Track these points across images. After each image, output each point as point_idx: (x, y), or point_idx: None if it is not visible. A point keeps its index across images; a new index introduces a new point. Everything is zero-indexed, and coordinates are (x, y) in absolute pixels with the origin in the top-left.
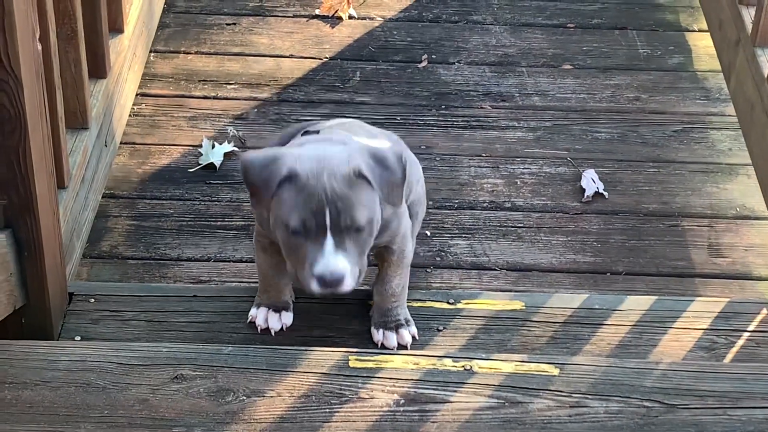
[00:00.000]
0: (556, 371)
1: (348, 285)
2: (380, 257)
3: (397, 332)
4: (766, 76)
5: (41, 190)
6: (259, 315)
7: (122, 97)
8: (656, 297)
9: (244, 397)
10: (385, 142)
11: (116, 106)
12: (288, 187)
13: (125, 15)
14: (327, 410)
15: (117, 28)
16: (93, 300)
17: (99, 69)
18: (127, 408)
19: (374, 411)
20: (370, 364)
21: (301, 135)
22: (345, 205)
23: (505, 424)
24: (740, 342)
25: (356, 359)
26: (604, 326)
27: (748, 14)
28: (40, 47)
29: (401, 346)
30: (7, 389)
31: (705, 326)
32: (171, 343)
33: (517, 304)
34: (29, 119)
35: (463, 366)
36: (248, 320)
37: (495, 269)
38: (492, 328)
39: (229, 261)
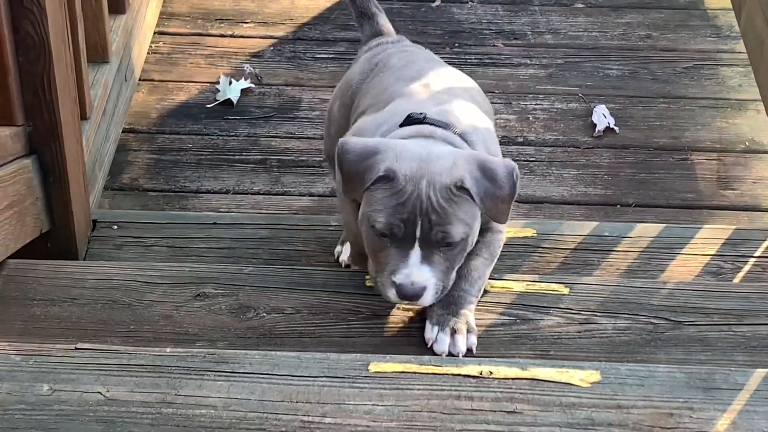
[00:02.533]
0: (566, 290)
1: (427, 300)
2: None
3: (452, 338)
4: None
5: (65, 117)
6: (345, 251)
7: (141, 33)
8: (665, 225)
9: (264, 314)
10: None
11: (135, 41)
12: (383, 186)
13: None
14: (344, 326)
15: None
16: (116, 227)
17: (118, 4)
18: (152, 323)
19: (390, 326)
20: None
21: (403, 121)
22: (440, 219)
23: (516, 339)
24: (746, 267)
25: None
26: (613, 252)
27: None
28: None
29: (451, 354)
30: (36, 305)
31: (712, 252)
32: (193, 263)
33: (529, 231)
34: (53, 47)
35: None
36: (335, 257)
37: None
38: (504, 253)
39: (247, 193)
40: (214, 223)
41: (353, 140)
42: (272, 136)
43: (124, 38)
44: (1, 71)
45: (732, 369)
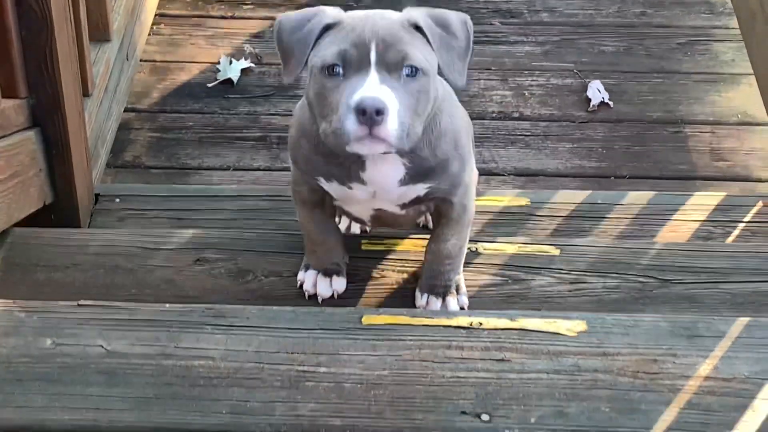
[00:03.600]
0: (556, 252)
1: (392, 124)
2: (437, 212)
3: (443, 300)
4: None
5: (67, 91)
6: (308, 279)
7: (143, 13)
8: (656, 192)
9: (263, 277)
10: None
11: (137, 21)
12: (330, 33)
13: None
14: None
15: None
16: (118, 200)
17: None
18: (154, 287)
19: (385, 287)
20: (380, 247)
21: None
22: (395, 40)
23: (509, 299)
24: (736, 232)
25: (368, 242)
26: (606, 219)
27: None
28: None
29: None
30: (39, 271)
31: (702, 218)
32: (194, 229)
33: (523, 200)
34: (55, 20)
35: (469, 248)
36: (298, 284)
37: (503, 174)
38: (498, 221)
39: (247, 170)
40: (215, 196)
41: (288, 12)
42: (272, 114)
43: (126, 18)
44: (4, 44)
45: (715, 318)
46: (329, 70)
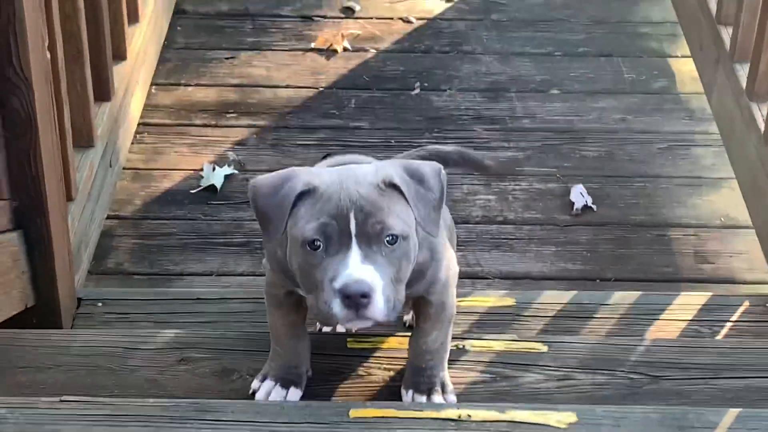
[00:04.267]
0: (545, 348)
1: (379, 308)
2: (416, 309)
3: (428, 397)
4: (744, 88)
5: (51, 193)
6: (262, 389)
7: (126, 121)
8: (642, 293)
9: (248, 376)
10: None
11: (120, 129)
12: (305, 202)
13: (128, 42)
14: (327, 386)
15: (120, 55)
16: (101, 304)
17: (103, 92)
18: (137, 387)
19: (371, 385)
20: (366, 345)
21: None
22: (374, 209)
23: (496, 395)
24: (723, 331)
25: (353, 341)
26: (593, 319)
27: (727, 33)
28: (49, 56)
29: None
30: (21, 373)
31: (689, 317)
32: (177, 329)
33: (509, 301)
34: (40, 123)
35: (456, 345)
36: (249, 391)
37: (488, 278)
38: (485, 322)
39: (231, 275)
40: (198, 299)
41: (262, 176)
42: (256, 220)
43: (109, 124)
44: None
45: (705, 409)
46: (310, 245)
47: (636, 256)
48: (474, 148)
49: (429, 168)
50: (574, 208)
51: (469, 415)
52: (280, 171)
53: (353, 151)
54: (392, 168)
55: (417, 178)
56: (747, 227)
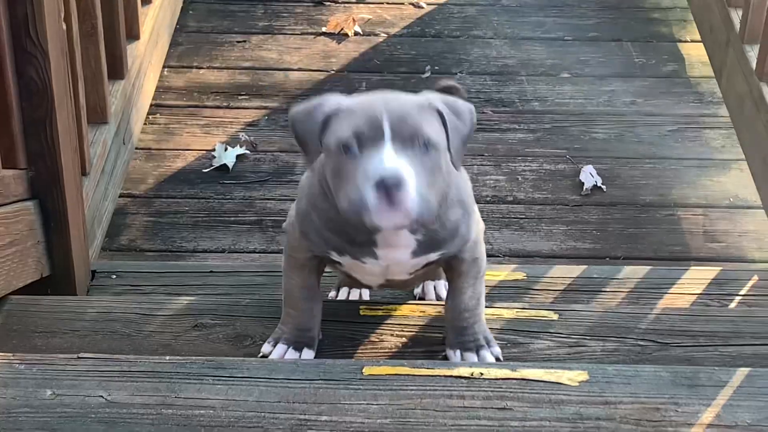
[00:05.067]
0: (555, 316)
1: (411, 195)
2: (450, 268)
3: (477, 354)
4: (753, 69)
5: (67, 164)
6: (275, 352)
7: (139, 100)
8: (651, 267)
9: (261, 341)
10: None
11: (133, 108)
12: (339, 116)
13: (141, 23)
14: (339, 352)
15: (133, 35)
16: (114, 276)
17: (117, 70)
18: (151, 352)
19: (384, 351)
20: (379, 313)
21: None
22: (407, 115)
23: (508, 362)
24: (732, 305)
25: (366, 308)
26: (602, 292)
27: (737, 15)
28: (64, 27)
29: None
30: (37, 337)
31: (699, 291)
32: (191, 296)
33: (519, 275)
34: (56, 93)
35: None
36: (259, 355)
37: (498, 255)
38: (495, 295)
39: (243, 252)
40: (211, 272)
41: (298, 105)
42: (267, 199)
43: (123, 102)
44: (5, 115)
45: (715, 368)
46: (345, 148)
47: (646, 236)
48: (484, 130)
49: (464, 105)
50: (584, 188)
51: (482, 373)
52: (314, 98)
53: None
54: (434, 96)
55: (454, 110)
56: (756, 207)
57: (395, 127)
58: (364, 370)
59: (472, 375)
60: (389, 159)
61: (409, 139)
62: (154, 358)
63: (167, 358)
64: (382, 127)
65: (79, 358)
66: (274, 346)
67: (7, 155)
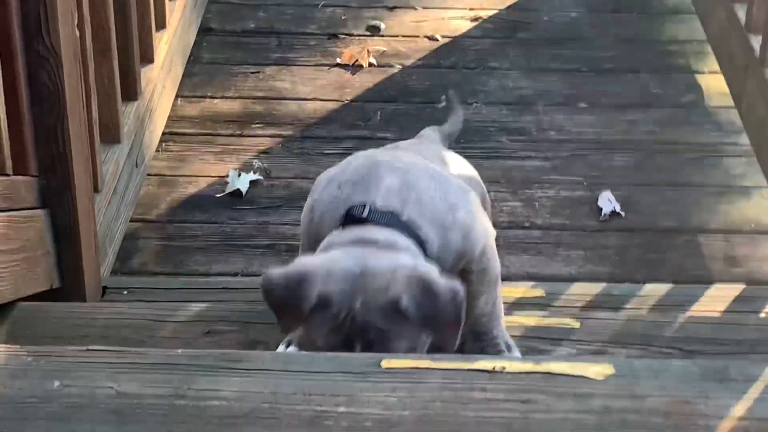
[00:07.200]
0: (577, 324)
1: None
2: (462, 276)
3: None
4: None
5: (78, 173)
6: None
7: (152, 124)
8: (673, 285)
9: (274, 347)
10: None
11: (146, 131)
12: (317, 313)
13: (155, 47)
14: None
15: (147, 58)
16: (126, 292)
17: (130, 90)
18: None
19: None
20: None
21: (344, 219)
22: (378, 338)
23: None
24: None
25: None
26: (623, 310)
27: (756, 41)
28: (78, 33)
29: None
30: (45, 344)
31: (722, 308)
32: (204, 303)
33: (538, 292)
34: (68, 99)
35: None
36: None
37: (515, 280)
38: (513, 313)
39: (256, 275)
40: (224, 288)
41: (275, 271)
42: (281, 224)
43: (136, 123)
44: (16, 120)
45: (746, 363)
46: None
47: (666, 260)
48: (500, 158)
49: (446, 289)
50: (602, 213)
51: (504, 367)
52: (294, 268)
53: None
54: (405, 286)
55: (430, 297)
56: None
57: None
58: (382, 363)
59: (494, 369)
60: None
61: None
62: (166, 351)
63: (180, 351)
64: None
65: (88, 350)
66: (287, 348)
67: (18, 161)
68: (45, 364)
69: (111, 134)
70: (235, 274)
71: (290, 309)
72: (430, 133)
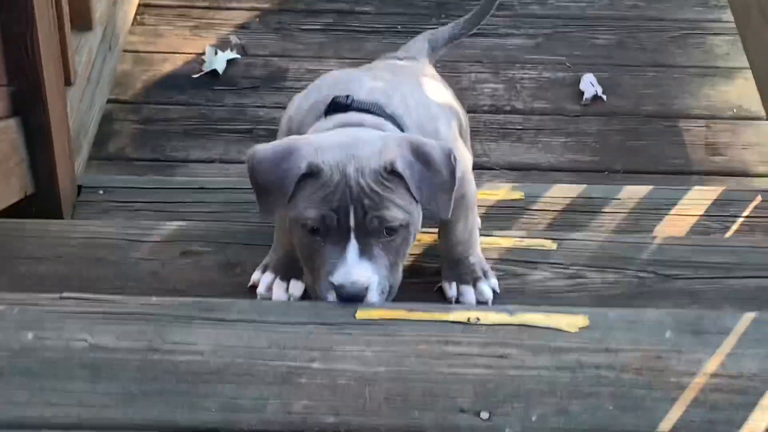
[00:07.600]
0: (554, 246)
1: (372, 299)
2: None
3: (474, 286)
4: None
5: (49, 78)
6: (263, 281)
7: (125, 2)
8: (653, 186)
9: (251, 270)
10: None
11: (119, 11)
12: (308, 182)
13: None
14: None
15: None
16: (102, 191)
17: None
18: (138, 280)
19: None
20: None
21: (328, 107)
22: (374, 203)
23: (505, 293)
24: (734, 227)
25: None
26: (601, 213)
27: None
28: None
29: (480, 303)
30: (21, 264)
31: (700, 212)
32: (180, 221)
33: (517, 194)
34: (36, 4)
35: None
36: (249, 284)
37: (495, 168)
38: (492, 215)
39: (234, 162)
40: (201, 188)
41: (261, 147)
42: (259, 106)
43: (108, 6)
44: None
45: (720, 313)
46: (310, 230)
47: (646, 148)
48: (482, 35)
49: (438, 150)
50: (584, 97)
51: (478, 318)
52: (282, 142)
53: (359, 38)
54: (398, 148)
55: (423, 160)
56: (760, 119)
57: (360, 220)
58: (357, 314)
59: (468, 320)
60: (352, 265)
61: (374, 230)
62: (140, 299)
63: (153, 299)
64: (348, 222)
65: (61, 298)
66: (263, 273)
67: None
68: (18, 314)
69: (83, 21)
70: (213, 161)
71: (277, 184)
72: (419, 46)
